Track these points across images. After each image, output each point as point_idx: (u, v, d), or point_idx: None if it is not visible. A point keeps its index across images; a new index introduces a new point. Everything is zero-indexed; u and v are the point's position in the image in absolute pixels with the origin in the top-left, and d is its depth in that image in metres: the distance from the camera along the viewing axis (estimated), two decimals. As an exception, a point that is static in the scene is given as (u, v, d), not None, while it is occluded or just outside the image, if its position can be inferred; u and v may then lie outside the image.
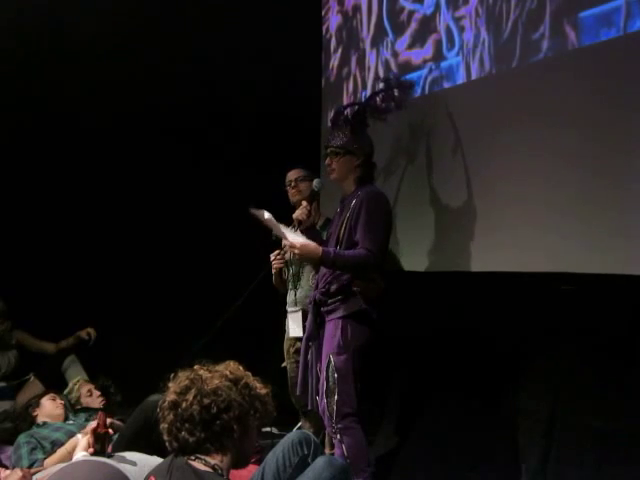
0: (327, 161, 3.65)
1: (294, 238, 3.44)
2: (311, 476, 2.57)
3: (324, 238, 3.75)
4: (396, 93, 3.77)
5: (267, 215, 3.41)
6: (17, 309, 5.07)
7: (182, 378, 2.31)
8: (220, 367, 2.35)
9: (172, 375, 2.35)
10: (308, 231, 3.69)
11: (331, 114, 3.63)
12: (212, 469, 2.22)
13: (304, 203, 3.79)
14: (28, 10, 5.01)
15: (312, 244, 3.44)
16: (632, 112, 2.84)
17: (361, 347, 3.43)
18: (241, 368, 2.37)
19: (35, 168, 5.32)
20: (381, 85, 3.88)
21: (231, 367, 2.36)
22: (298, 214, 3.71)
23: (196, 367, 2.35)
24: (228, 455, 2.26)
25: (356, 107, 3.75)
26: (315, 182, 3.96)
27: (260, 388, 2.35)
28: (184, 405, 2.23)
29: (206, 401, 2.22)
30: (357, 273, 3.45)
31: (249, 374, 2.37)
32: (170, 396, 2.28)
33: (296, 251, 3.41)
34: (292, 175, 4.24)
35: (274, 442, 3.06)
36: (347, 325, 3.42)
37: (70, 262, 5.40)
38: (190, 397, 2.24)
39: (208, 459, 2.23)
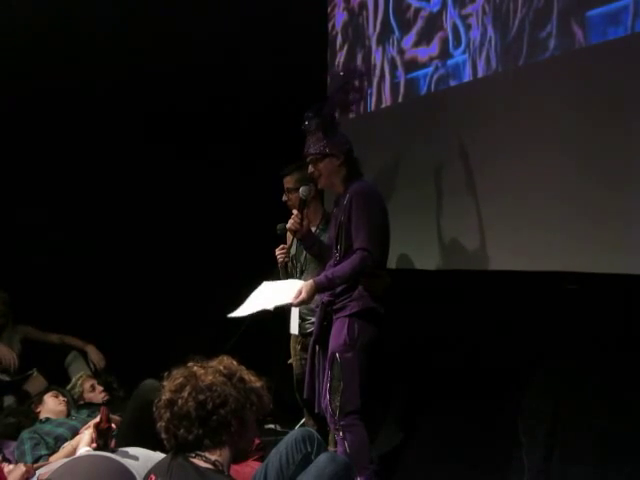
0: (310, 170, 3.57)
1: (289, 293, 3.37)
2: (314, 473, 2.56)
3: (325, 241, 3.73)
4: (356, 83, 3.66)
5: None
6: (19, 305, 5.06)
7: (176, 376, 2.30)
8: (213, 362, 2.34)
9: (166, 373, 2.34)
10: (305, 239, 3.65)
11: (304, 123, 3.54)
12: (213, 465, 2.21)
13: (294, 212, 3.66)
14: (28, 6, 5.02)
15: (306, 284, 3.36)
16: (638, 111, 2.83)
17: (367, 345, 3.41)
18: (235, 362, 2.37)
19: (39, 163, 5.32)
20: (340, 80, 3.77)
21: (225, 362, 2.35)
22: (290, 225, 3.62)
23: (190, 364, 2.34)
24: (227, 450, 2.26)
25: (322, 109, 3.59)
26: (301, 190, 3.74)
27: (255, 381, 2.34)
28: (180, 402, 2.23)
29: (201, 397, 2.22)
30: (359, 277, 3.41)
31: (243, 368, 2.36)
32: (165, 394, 2.28)
33: (304, 297, 3.33)
34: (285, 184, 4.14)
35: (277, 439, 3.05)
36: (354, 323, 3.40)
37: (72, 258, 5.39)
38: (185, 394, 2.23)
39: (208, 455, 2.23)
